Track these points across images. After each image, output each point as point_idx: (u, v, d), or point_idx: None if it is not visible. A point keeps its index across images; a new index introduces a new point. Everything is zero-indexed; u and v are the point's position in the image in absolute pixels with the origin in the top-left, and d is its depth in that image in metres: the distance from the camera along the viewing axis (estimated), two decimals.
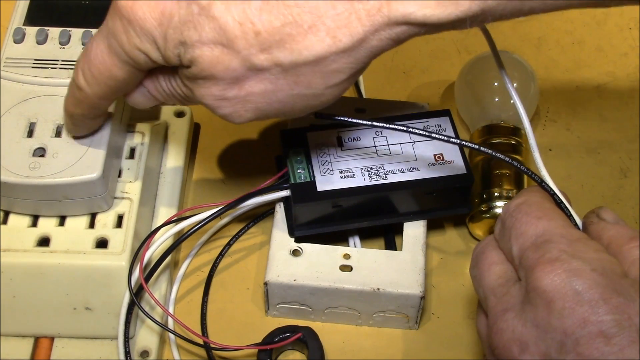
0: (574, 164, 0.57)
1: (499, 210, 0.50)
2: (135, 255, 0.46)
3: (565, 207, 0.38)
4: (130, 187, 0.49)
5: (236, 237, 0.53)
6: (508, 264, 0.37)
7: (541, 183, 0.39)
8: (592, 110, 0.60)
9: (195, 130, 0.58)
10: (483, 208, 0.51)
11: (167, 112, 0.56)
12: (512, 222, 0.37)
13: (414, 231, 0.49)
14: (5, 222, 0.47)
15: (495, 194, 0.50)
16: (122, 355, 0.45)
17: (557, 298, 0.32)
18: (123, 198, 0.48)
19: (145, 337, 0.47)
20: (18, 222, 0.47)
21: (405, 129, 0.42)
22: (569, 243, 0.34)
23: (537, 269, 0.33)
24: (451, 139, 0.42)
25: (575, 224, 0.38)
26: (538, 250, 0.34)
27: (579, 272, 0.33)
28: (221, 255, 0.52)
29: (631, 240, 0.35)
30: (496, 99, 0.55)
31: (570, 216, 0.38)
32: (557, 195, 0.38)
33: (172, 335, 0.48)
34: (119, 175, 0.49)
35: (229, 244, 0.52)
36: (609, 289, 0.32)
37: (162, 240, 0.47)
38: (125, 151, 0.50)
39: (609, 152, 0.57)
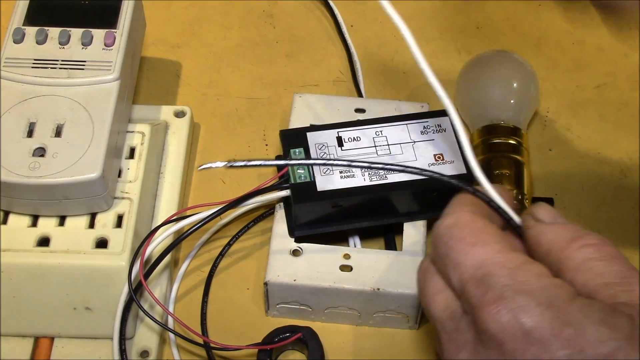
0: (574, 164, 0.57)
1: None
2: (136, 254, 0.46)
3: (504, 211, 0.37)
4: (130, 187, 0.49)
5: (236, 237, 0.53)
6: (450, 291, 0.35)
7: (475, 192, 0.37)
8: (592, 110, 0.60)
9: (195, 130, 0.58)
10: None
11: (167, 112, 0.56)
12: (445, 249, 0.35)
13: (414, 231, 0.49)
14: (5, 222, 0.47)
15: None
16: (117, 356, 0.45)
17: (507, 340, 0.31)
18: (123, 198, 0.48)
19: (145, 336, 0.47)
20: (18, 222, 0.47)
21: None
22: (510, 274, 0.32)
23: (482, 310, 0.32)
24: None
25: (516, 227, 0.36)
26: (480, 286, 0.33)
27: (525, 309, 0.31)
28: (221, 255, 0.52)
29: (570, 243, 0.34)
30: (496, 99, 0.55)
31: (509, 220, 0.37)
32: (494, 202, 0.37)
33: (172, 335, 0.48)
34: (119, 175, 0.49)
35: (229, 244, 0.52)
36: (557, 321, 0.31)
37: (162, 238, 0.47)
38: (125, 151, 0.51)
39: (609, 152, 0.57)
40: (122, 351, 0.45)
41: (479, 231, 0.35)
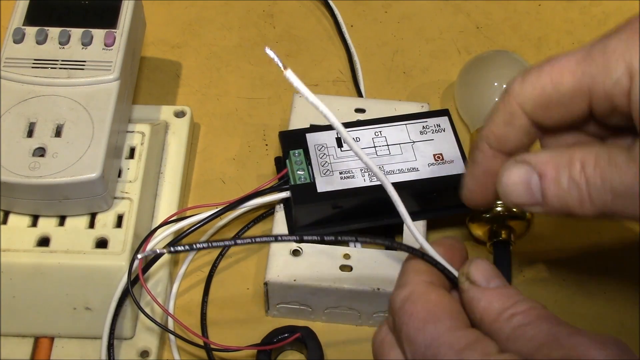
0: None
1: (498, 209, 0.50)
2: (135, 253, 0.46)
3: (443, 267, 0.36)
4: (130, 187, 0.49)
5: (236, 237, 0.53)
6: None
7: (423, 257, 0.36)
8: None
9: (195, 130, 0.58)
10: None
11: (167, 112, 0.56)
12: (400, 323, 0.35)
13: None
14: (5, 222, 0.47)
15: None
16: (104, 350, 0.45)
17: None
18: (123, 198, 0.48)
19: (145, 337, 0.47)
20: (18, 222, 0.47)
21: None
22: (456, 356, 0.32)
23: None
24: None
25: (455, 284, 0.36)
26: None
27: None
28: (221, 255, 0.52)
29: (500, 315, 0.34)
30: (496, 99, 0.55)
31: (452, 281, 0.36)
32: (440, 264, 0.36)
33: (172, 336, 0.48)
34: (119, 175, 0.49)
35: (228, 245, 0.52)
36: None
37: (162, 238, 0.47)
38: (125, 151, 0.51)
39: None
40: (110, 345, 0.45)
41: (431, 305, 0.34)
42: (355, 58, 0.61)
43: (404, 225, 0.49)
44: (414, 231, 0.37)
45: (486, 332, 0.34)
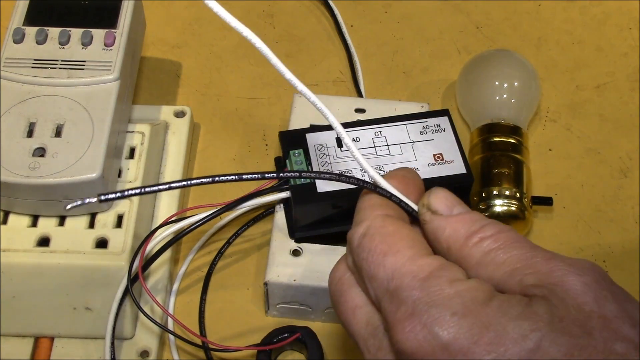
0: (574, 164, 0.57)
1: (498, 209, 0.50)
2: (135, 254, 0.46)
3: (406, 205, 0.35)
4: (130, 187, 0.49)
5: (236, 235, 0.53)
6: (372, 305, 0.33)
7: (376, 189, 0.35)
8: (592, 110, 0.60)
9: (195, 130, 0.58)
10: (482, 207, 0.51)
11: (167, 112, 0.56)
12: (359, 261, 0.33)
13: None
14: (5, 222, 0.47)
15: (494, 192, 0.50)
16: (108, 350, 0.45)
17: (426, 356, 0.29)
18: None
19: (145, 337, 0.47)
20: (18, 222, 0.47)
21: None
22: (421, 285, 0.30)
23: (396, 329, 0.30)
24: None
25: (413, 217, 0.35)
26: (392, 302, 0.31)
27: (439, 322, 0.29)
28: (220, 253, 0.52)
29: (467, 240, 0.32)
30: (497, 98, 0.55)
31: (409, 213, 0.35)
32: (395, 196, 0.35)
33: (171, 336, 0.48)
34: (119, 175, 0.49)
35: (228, 242, 0.52)
36: (475, 327, 0.29)
37: (162, 238, 0.47)
38: (125, 151, 0.51)
39: (609, 152, 0.57)
40: (112, 344, 0.45)
41: (389, 237, 0.33)
42: (355, 58, 0.61)
43: None
44: (362, 162, 0.35)
45: (455, 261, 0.32)
